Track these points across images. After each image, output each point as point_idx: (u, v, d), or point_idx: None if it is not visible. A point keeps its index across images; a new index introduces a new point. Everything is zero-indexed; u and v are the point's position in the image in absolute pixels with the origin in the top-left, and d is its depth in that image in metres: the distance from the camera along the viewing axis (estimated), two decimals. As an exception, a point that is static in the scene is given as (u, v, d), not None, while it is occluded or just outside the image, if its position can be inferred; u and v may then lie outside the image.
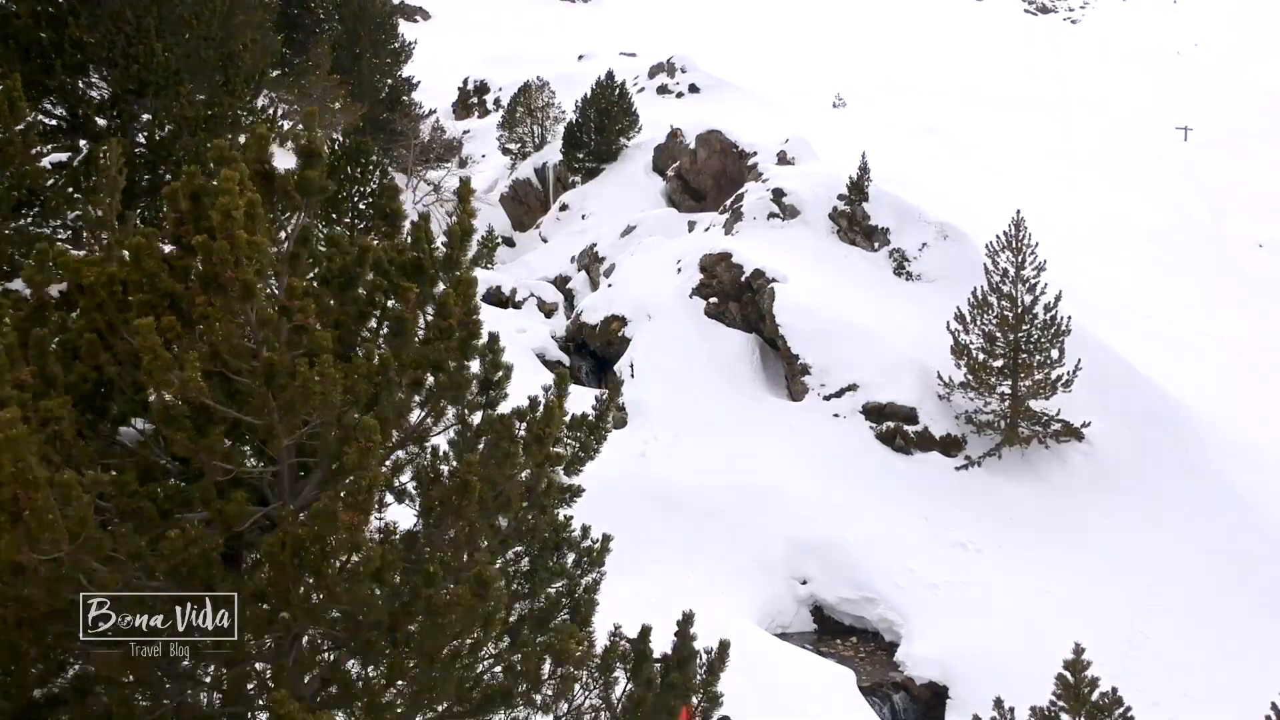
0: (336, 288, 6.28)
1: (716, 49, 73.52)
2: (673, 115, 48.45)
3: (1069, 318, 23.45)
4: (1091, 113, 53.28)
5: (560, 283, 36.02)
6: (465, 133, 64.04)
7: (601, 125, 44.73)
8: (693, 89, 53.92)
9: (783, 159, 34.38)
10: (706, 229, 32.55)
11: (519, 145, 53.40)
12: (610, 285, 31.66)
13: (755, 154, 35.70)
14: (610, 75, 45.65)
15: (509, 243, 47.27)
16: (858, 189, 30.00)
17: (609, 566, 7.66)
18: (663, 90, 55.36)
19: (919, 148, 38.79)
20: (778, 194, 30.87)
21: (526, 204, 52.62)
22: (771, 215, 30.65)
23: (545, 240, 43.26)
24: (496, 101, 67.60)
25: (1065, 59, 76.65)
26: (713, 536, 20.14)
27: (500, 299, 35.42)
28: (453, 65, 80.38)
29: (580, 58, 70.94)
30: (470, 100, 69.48)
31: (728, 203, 32.84)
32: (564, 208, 43.62)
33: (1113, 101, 54.22)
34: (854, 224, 29.64)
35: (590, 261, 35.11)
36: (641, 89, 56.51)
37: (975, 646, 17.84)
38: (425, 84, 78.71)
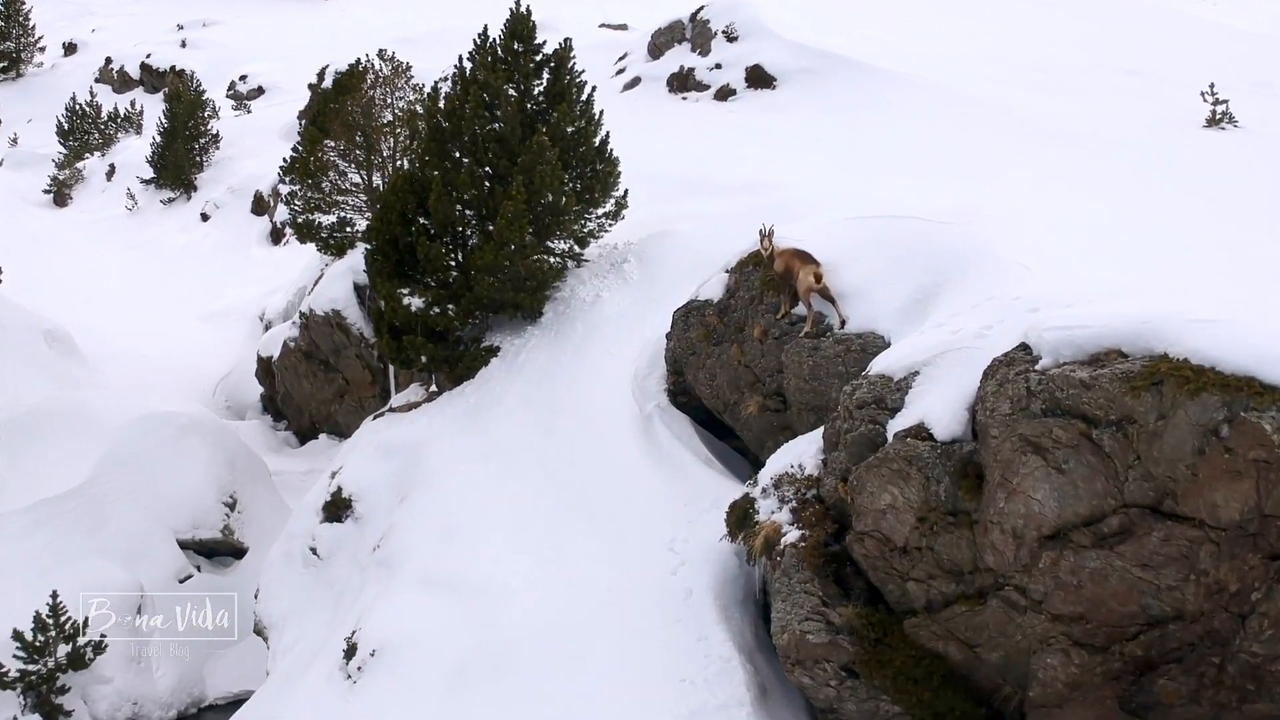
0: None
1: None
2: (728, 195, 15.54)
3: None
4: None
5: None
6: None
7: (484, 199, 12.06)
8: (756, 80, 21.02)
9: None
10: None
11: (334, 222, 20.46)
12: None
13: None
14: (523, 17, 12.80)
15: (231, 553, 14.58)
16: None
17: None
18: (681, 83, 22.32)
19: None
20: None
21: (337, 369, 19.66)
22: None
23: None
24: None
25: None
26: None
27: None
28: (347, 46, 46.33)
29: (530, 33, 37.49)
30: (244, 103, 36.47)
31: None
32: (335, 517, 11.00)
33: None
34: None
35: None
36: (633, 81, 23.38)
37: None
38: (279, 83, 45.35)
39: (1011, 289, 6.01)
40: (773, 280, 7.87)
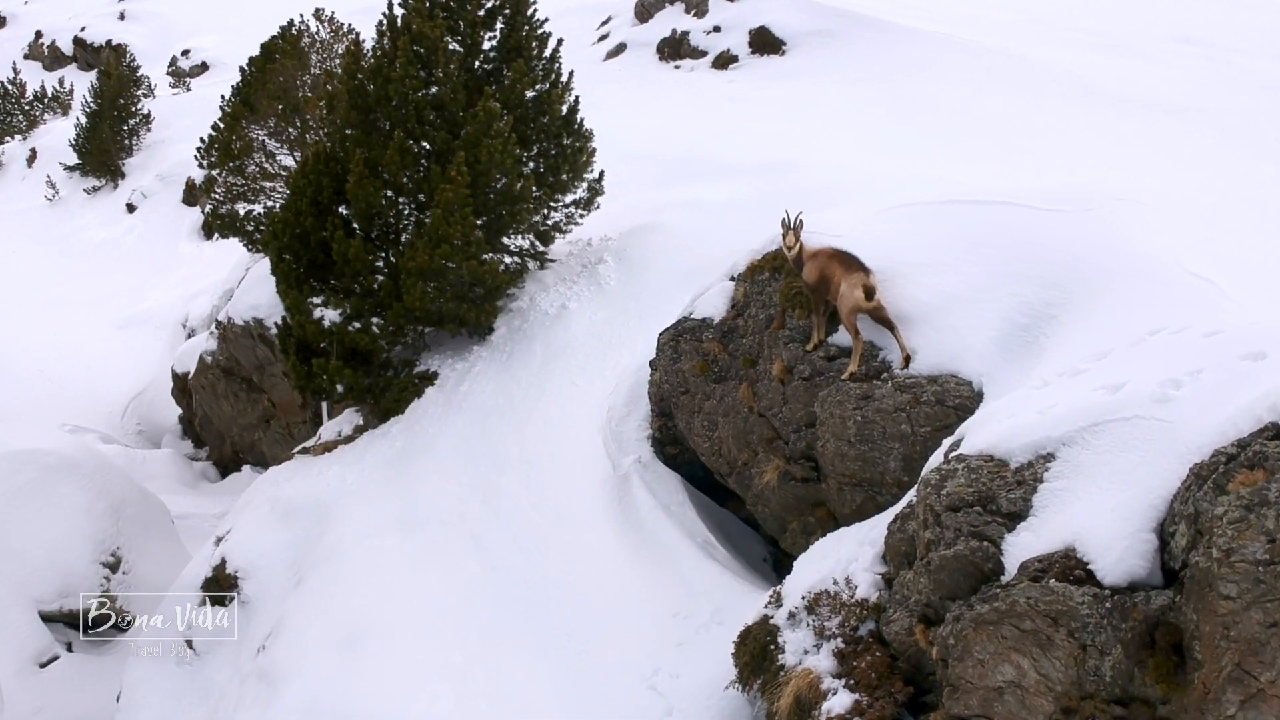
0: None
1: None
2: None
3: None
4: None
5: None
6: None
7: (420, 183, 10.10)
8: (762, 45, 18.96)
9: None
10: None
11: (261, 213, 18.45)
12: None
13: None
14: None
15: (113, 624, 12.73)
16: None
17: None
18: (673, 50, 20.36)
19: None
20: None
21: (261, 389, 17.60)
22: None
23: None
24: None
25: None
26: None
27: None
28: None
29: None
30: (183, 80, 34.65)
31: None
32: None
33: None
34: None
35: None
36: (617, 48, 21.39)
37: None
38: (226, 58, 43.16)
39: (1194, 316, 3.95)
40: (801, 294, 5.79)
